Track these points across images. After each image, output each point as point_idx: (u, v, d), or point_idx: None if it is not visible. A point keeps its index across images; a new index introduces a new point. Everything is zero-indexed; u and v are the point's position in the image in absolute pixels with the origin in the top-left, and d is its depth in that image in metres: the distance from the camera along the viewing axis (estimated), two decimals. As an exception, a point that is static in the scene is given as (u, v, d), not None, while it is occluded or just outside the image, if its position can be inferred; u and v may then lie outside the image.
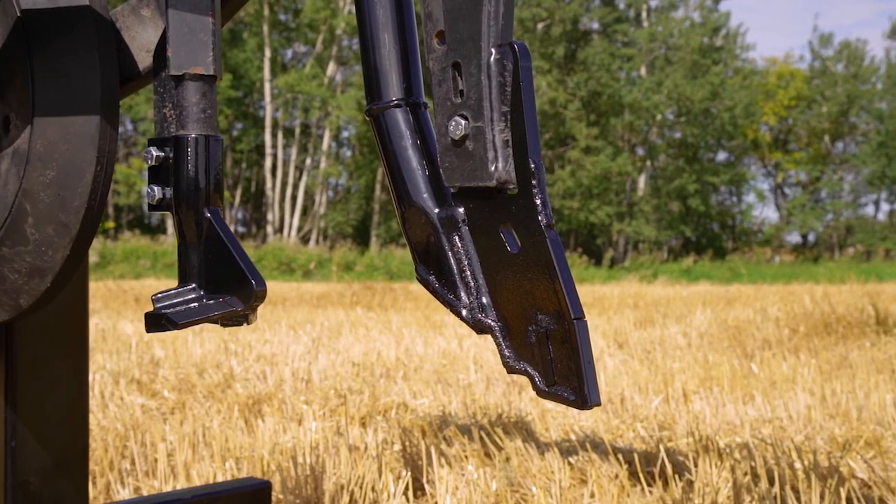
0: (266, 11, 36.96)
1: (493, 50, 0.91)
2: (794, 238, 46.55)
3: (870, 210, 47.51)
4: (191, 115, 1.09)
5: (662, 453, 2.58)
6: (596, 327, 7.51)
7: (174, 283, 1.16)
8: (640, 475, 2.47)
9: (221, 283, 1.06)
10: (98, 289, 12.93)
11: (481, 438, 2.90)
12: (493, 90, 0.92)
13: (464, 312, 0.98)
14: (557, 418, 3.40)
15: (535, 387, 0.93)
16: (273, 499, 2.26)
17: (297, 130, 38.87)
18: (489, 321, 0.97)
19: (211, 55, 1.09)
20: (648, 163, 41.19)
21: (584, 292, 13.40)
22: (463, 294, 0.98)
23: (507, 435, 2.99)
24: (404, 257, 27.31)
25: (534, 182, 0.90)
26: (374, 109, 1.06)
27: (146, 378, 4.36)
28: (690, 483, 2.45)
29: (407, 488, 2.41)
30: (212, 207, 1.09)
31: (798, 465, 2.60)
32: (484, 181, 0.93)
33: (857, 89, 44.49)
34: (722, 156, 43.97)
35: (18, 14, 1.17)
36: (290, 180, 38.18)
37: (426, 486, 2.51)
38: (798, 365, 4.94)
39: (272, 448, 2.88)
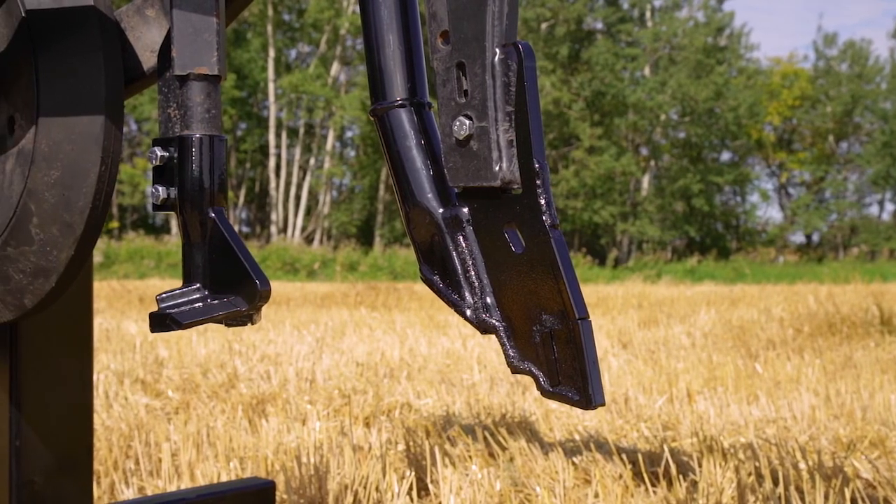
0: (270, 11, 36.97)
1: (497, 50, 0.91)
2: (799, 238, 46.53)
3: (874, 210, 47.41)
4: (195, 116, 1.09)
5: (666, 453, 2.58)
6: (600, 327, 7.51)
7: (178, 283, 1.16)
8: (644, 475, 2.47)
9: (226, 283, 1.06)
10: (102, 289, 12.95)
11: (485, 438, 2.90)
12: (498, 90, 0.91)
13: (468, 312, 0.98)
14: (561, 418, 3.40)
15: (539, 387, 0.93)
16: (277, 498, 2.26)
17: (301, 130, 38.88)
18: (493, 321, 0.96)
19: (215, 55, 1.09)
20: (652, 163, 41.16)
21: (588, 292, 13.40)
22: (467, 294, 0.98)
23: (510, 435, 2.99)
24: (408, 257, 27.31)
25: (538, 182, 0.90)
26: (379, 109, 1.06)
27: (150, 378, 4.36)
28: (694, 483, 2.45)
29: (411, 488, 2.41)
30: (216, 207, 1.09)
31: (802, 465, 2.59)
32: (488, 181, 0.93)
33: (862, 89, 44.42)
34: (726, 156, 43.96)
35: (23, 14, 1.17)
36: (294, 180, 38.20)
37: (430, 486, 2.51)
38: (802, 365, 4.93)
39: (276, 448, 2.88)
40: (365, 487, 2.34)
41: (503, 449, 2.82)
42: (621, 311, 9.67)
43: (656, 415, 3.53)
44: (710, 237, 43.02)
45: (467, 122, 0.93)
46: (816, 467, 2.48)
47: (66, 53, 1.14)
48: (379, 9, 1.07)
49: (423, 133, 1.04)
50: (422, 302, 10.99)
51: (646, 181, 40.75)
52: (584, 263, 30.48)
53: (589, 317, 0.89)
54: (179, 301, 1.07)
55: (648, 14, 42.27)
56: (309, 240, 37.82)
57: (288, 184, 38.35)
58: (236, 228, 1.09)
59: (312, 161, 38.97)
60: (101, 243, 24.05)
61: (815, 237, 46.05)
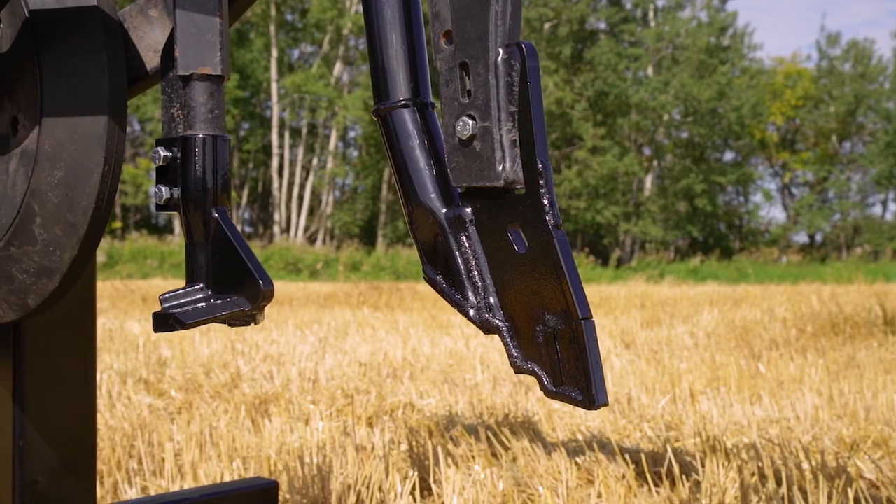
0: (273, 11, 36.99)
1: (500, 50, 0.91)
2: (802, 238, 46.50)
3: (877, 210, 47.35)
4: (198, 116, 1.09)
5: (669, 453, 2.58)
6: (603, 327, 7.51)
7: (181, 282, 1.16)
8: (648, 475, 2.46)
9: (229, 282, 1.06)
10: (105, 289, 12.96)
11: (488, 438, 2.90)
12: (501, 90, 0.91)
13: (471, 312, 0.98)
14: (564, 418, 3.40)
15: (542, 387, 0.93)
16: (280, 498, 2.26)
17: (304, 130, 38.90)
18: (497, 321, 0.96)
19: (218, 55, 1.09)
20: (655, 163, 41.15)
21: (591, 292, 13.39)
22: (470, 294, 0.98)
23: (513, 435, 2.99)
24: (411, 257, 27.32)
25: (541, 182, 0.90)
26: (382, 109, 1.06)
27: (153, 378, 4.36)
28: (698, 483, 2.45)
29: (414, 488, 2.41)
30: (219, 207, 1.09)
31: (805, 465, 2.59)
32: (491, 181, 0.92)
33: (865, 89, 44.39)
34: (729, 156, 43.94)
35: (27, 14, 1.17)
36: (297, 180, 38.22)
37: (433, 486, 2.51)
38: (805, 365, 4.93)
39: (279, 448, 2.88)
40: (368, 487, 2.34)
41: (506, 449, 2.82)
42: (624, 311, 9.66)
43: (659, 415, 3.53)
44: (713, 237, 42.99)
45: (470, 122, 0.93)
46: (820, 467, 2.48)
47: (70, 53, 1.14)
48: (382, 8, 1.07)
49: (427, 133, 1.04)
50: (424, 302, 10.99)
51: (649, 181, 40.74)
52: (586, 263, 30.48)
53: (592, 317, 0.89)
54: (183, 301, 1.07)
55: (651, 14, 42.25)
56: (312, 240, 37.84)
57: (291, 184, 38.37)
58: (239, 228, 1.09)
59: (315, 161, 38.99)
60: (105, 243, 24.08)
61: (819, 237, 46.05)
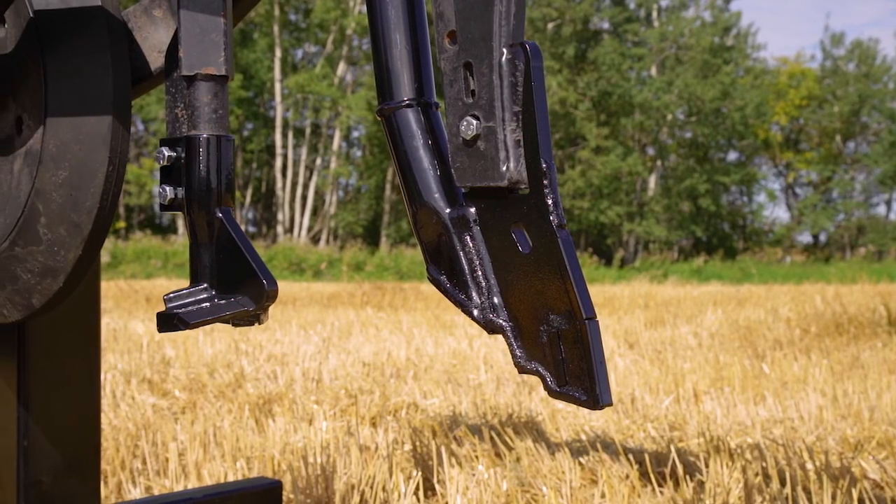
0: (276, 12, 37.01)
1: (504, 50, 0.91)
2: (806, 238, 46.45)
3: (881, 210, 47.33)
4: (202, 116, 1.09)
5: (673, 453, 2.58)
6: (606, 327, 7.50)
7: (185, 282, 1.16)
8: (651, 475, 2.46)
9: (233, 282, 1.07)
10: (109, 288, 12.97)
11: (492, 438, 2.90)
12: (505, 90, 0.91)
13: (475, 312, 0.98)
14: (568, 418, 3.39)
15: (546, 387, 0.93)
16: (284, 498, 2.27)
17: (308, 130, 38.90)
18: (501, 321, 0.96)
19: (223, 55, 1.09)
20: (659, 163, 41.12)
21: (595, 292, 13.38)
22: (474, 294, 0.98)
23: (517, 435, 2.99)
24: (414, 257, 27.32)
25: (545, 182, 0.90)
26: (386, 109, 1.06)
27: (157, 378, 4.37)
28: (701, 483, 2.45)
29: (417, 488, 2.41)
30: (223, 207, 1.09)
31: (809, 465, 2.59)
32: (495, 181, 0.93)
33: (869, 89, 44.32)
34: (733, 155, 43.90)
35: (31, 14, 1.17)
36: (301, 180, 38.24)
37: (437, 486, 2.51)
38: (809, 365, 4.92)
39: (283, 448, 2.88)
40: (371, 487, 2.34)
41: (510, 449, 2.82)
42: (628, 311, 9.66)
43: (663, 415, 3.52)
44: (716, 237, 42.96)
45: (474, 122, 0.93)
46: (824, 468, 2.47)
47: (74, 53, 1.15)
48: (386, 9, 1.07)
49: (431, 133, 1.04)
50: (428, 302, 10.99)
51: (652, 181, 40.71)
52: (590, 263, 30.46)
53: (596, 317, 0.89)
54: (187, 301, 1.07)
55: (655, 14, 42.22)
56: (315, 240, 37.85)
57: (294, 184, 38.38)
58: (243, 228, 1.09)
59: (319, 161, 39.00)
60: (108, 243, 24.10)
61: (823, 237, 45.98)
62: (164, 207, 1.11)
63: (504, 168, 0.92)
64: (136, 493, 2.55)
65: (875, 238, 42.14)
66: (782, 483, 2.40)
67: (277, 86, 37.62)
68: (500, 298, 0.97)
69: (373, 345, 5.92)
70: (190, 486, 2.56)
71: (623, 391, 4.02)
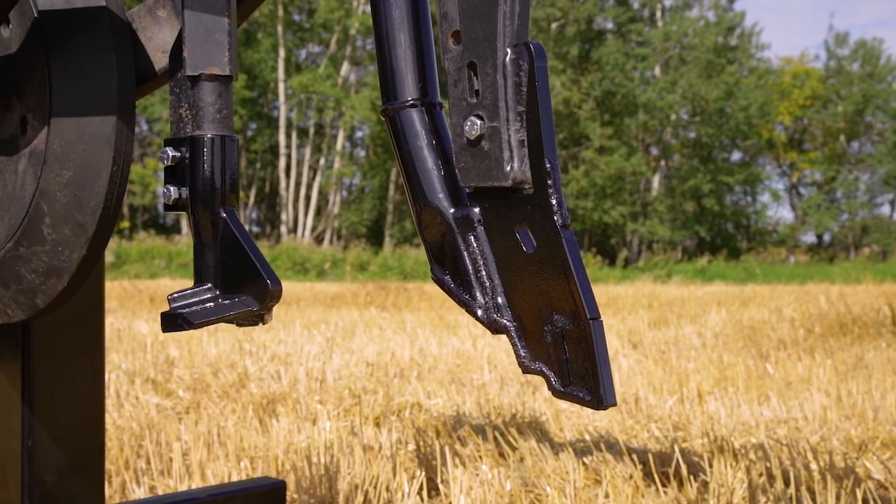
0: (280, 12, 37.02)
1: (508, 50, 0.91)
2: (810, 238, 46.38)
3: (885, 210, 47.23)
4: (207, 116, 1.09)
5: (677, 454, 2.57)
6: (610, 327, 7.50)
7: (189, 282, 1.16)
8: (655, 476, 2.46)
9: (237, 282, 1.07)
10: (113, 289, 12.98)
11: (495, 438, 2.90)
12: (509, 90, 0.91)
13: (479, 312, 0.98)
14: (572, 418, 3.39)
15: (550, 387, 0.93)
16: (287, 498, 2.27)
17: (311, 130, 38.92)
18: (505, 321, 0.96)
19: (227, 56, 1.09)
20: (663, 163, 41.09)
21: (599, 292, 13.38)
22: (478, 294, 0.98)
23: (521, 435, 2.99)
24: (418, 257, 27.32)
25: (549, 182, 0.90)
26: (390, 109, 1.06)
27: (161, 378, 4.37)
28: (705, 484, 2.45)
29: (421, 488, 2.41)
30: (227, 207, 1.09)
31: (814, 465, 2.59)
32: (499, 181, 0.92)
33: (873, 88, 44.26)
34: (737, 155, 43.86)
35: (36, 15, 1.17)
36: (304, 180, 38.25)
37: (440, 486, 2.51)
38: (813, 365, 4.92)
39: (287, 448, 2.88)
40: (375, 487, 2.34)
41: (513, 449, 2.82)
42: (631, 312, 9.65)
43: (667, 415, 3.52)
44: (720, 237, 42.92)
45: (478, 121, 0.93)
46: (828, 468, 2.47)
47: (78, 54, 1.15)
48: (390, 9, 1.07)
49: (435, 133, 1.04)
50: (432, 302, 10.99)
51: (656, 181, 40.68)
52: (594, 263, 30.45)
53: (600, 317, 0.89)
54: (191, 301, 1.07)
55: (659, 14, 42.19)
56: (319, 240, 37.87)
57: (298, 184, 38.40)
58: (246, 228, 1.09)
59: (322, 161, 39.01)
60: (112, 243, 24.12)
61: (827, 237, 45.92)
62: (168, 207, 1.11)
63: (508, 168, 0.92)
64: (140, 493, 2.56)
65: (879, 238, 42.08)
66: (786, 483, 2.40)
67: (281, 86, 37.64)
68: (504, 298, 0.97)
69: (376, 345, 5.92)
70: (194, 486, 2.57)
71: (627, 391, 4.02)
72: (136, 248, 26.14)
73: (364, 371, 4.69)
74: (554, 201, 0.89)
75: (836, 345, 6.11)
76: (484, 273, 0.98)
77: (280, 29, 37.46)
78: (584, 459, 2.67)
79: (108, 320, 7.57)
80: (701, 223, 40.81)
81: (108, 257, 22.40)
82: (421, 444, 2.84)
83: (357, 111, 36.67)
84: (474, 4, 0.93)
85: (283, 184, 38.18)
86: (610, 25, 41.35)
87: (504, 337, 0.97)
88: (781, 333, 6.85)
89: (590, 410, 3.48)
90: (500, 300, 0.97)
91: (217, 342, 5.74)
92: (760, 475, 2.47)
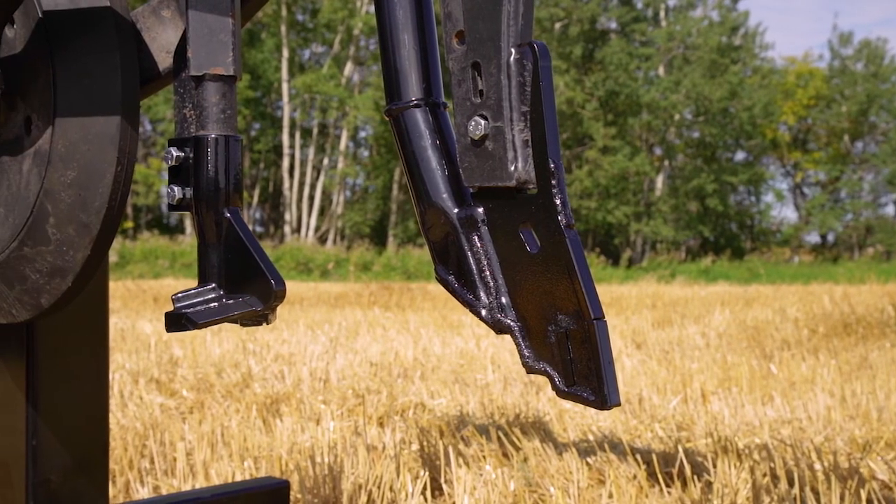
0: (284, 12, 37.04)
1: (512, 50, 0.91)
2: (814, 238, 46.33)
3: (889, 210, 47.23)
4: (211, 116, 1.09)
5: (681, 454, 2.57)
6: (614, 327, 7.49)
7: (192, 282, 1.16)
8: (659, 476, 2.46)
9: (241, 282, 1.07)
10: (117, 289, 13.00)
11: (499, 438, 2.90)
12: (513, 90, 0.91)
13: (483, 312, 0.98)
14: (575, 418, 3.39)
15: (554, 387, 0.93)
16: (291, 498, 2.27)
17: (315, 130, 38.94)
18: (509, 321, 0.96)
19: (231, 56, 1.09)
20: (666, 162, 41.06)
21: (602, 292, 13.37)
22: (482, 294, 0.98)
23: (524, 435, 2.99)
24: (422, 257, 27.33)
25: (553, 182, 0.90)
26: (394, 110, 1.06)
27: (165, 377, 4.37)
28: (709, 484, 2.45)
29: (425, 488, 2.41)
30: (231, 207, 1.09)
31: (818, 466, 2.58)
32: (503, 181, 0.92)
33: (877, 88, 44.19)
34: (740, 155, 43.81)
35: (40, 15, 1.17)
36: (308, 180, 38.26)
37: (444, 486, 2.51)
38: (817, 366, 4.91)
39: (290, 447, 2.88)
40: (379, 487, 2.34)
41: (517, 449, 2.82)
42: (635, 312, 9.65)
43: (670, 415, 3.52)
44: (724, 237, 42.88)
45: (483, 121, 0.93)
46: (832, 468, 2.47)
47: (83, 54, 1.15)
48: (394, 9, 1.07)
49: (439, 133, 1.04)
50: (435, 302, 10.99)
51: (660, 181, 40.66)
52: (597, 263, 30.44)
53: (604, 317, 0.89)
54: (195, 301, 1.07)
55: (662, 13, 42.17)
56: (322, 240, 37.88)
57: (301, 184, 38.42)
58: (250, 228, 1.09)
59: (326, 161, 39.03)
60: (116, 243, 24.14)
61: (831, 237, 45.87)
62: (172, 207, 1.11)
63: (512, 168, 0.92)
64: (144, 493, 2.56)
65: (883, 238, 42.02)
66: (790, 483, 2.39)
67: (285, 86, 37.66)
68: (508, 298, 0.97)
69: (380, 345, 5.92)
70: (198, 486, 2.57)
71: (631, 391, 4.02)
72: (140, 248, 26.16)
73: (367, 371, 4.69)
74: (558, 201, 0.89)
75: (840, 345, 6.10)
76: (488, 273, 0.98)
77: (283, 29, 37.47)
78: (588, 459, 2.67)
79: (112, 320, 7.58)
80: (705, 223, 40.77)
81: (112, 257, 22.42)
82: (424, 444, 2.84)
83: (360, 111, 36.69)
84: (478, 4, 0.93)
85: (286, 184, 38.20)
86: (613, 25, 41.33)
87: (508, 337, 0.97)
88: (785, 333, 6.84)
89: (593, 410, 3.48)
90: (503, 300, 0.97)
91: (221, 342, 5.74)
92: (764, 475, 2.47)
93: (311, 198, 38.35)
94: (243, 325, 1.08)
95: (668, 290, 16.07)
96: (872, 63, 45.23)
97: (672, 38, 40.41)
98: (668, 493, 2.43)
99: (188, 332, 5.75)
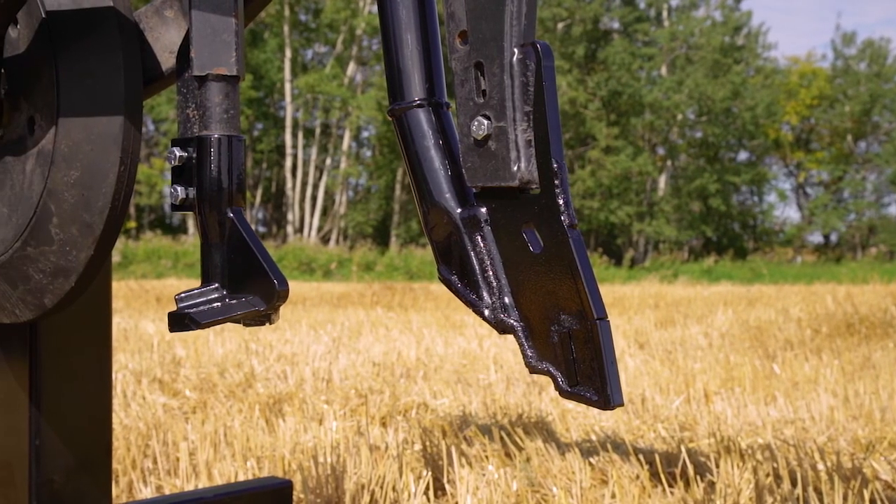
0: (286, 12, 37.05)
1: (515, 50, 0.91)
2: (817, 238, 46.30)
3: (893, 210, 47.19)
4: (214, 116, 1.09)
5: (684, 454, 2.57)
6: (616, 327, 7.49)
7: (195, 282, 1.16)
8: (662, 476, 2.46)
9: (244, 282, 1.07)
10: (120, 288, 13.00)
11: (502, 438, 2.90)
12: (516, 90, 0.91)
13: (486, 312, 0.98)
14: (578, 418, 3.39)
15: (557, 387, 0.93)
16: (294, 498, 2.27)
17: (318, 131, 38.96)
18: (512, 321, 0.96)
19: (234, 56, 1.09)
20: (669, 162, 41.04)
21: (605, 292, 13.36)
22: (485, 294, 0.98)
23: (527, 435, 2.99)
24: (424, 257, 27.33)
25: (556, 182, 0.90)
26: (397, 110, 1.06)
27: (168, 377, 4.38)
28: (712, 484, 2.44)
29: (427, 488, 2.41)
30: (234, 207, 1.09)
31: (821, 466, 2.58)
32: (506, 181, 0.92)
33: (881, 88, 44.14)
34: (743, 155, 43.79)
35: (43, 15, 1.18)
36: (311, 180, 38.28)
37: (447, 486, 2.51)
38: (820, 366, 4.91)
39: (293, 447, 2.88)
40: (382, 487, 2.34)
41: (520, 449, 2.82)
42: (638, 311, 9.64)
43: (673, 415, 3.52)
44: (727, 237, 42.86)
45: (485, 121, 0.93)
46: (835, 468, 2.47)
47: (86, 54, 1.15)
48: (397, 9, 1.07)
49: (442, 133, 1.04)
50: (438, 302, 10.99)
51: (662, 181, 40.63)
52: (600, 263, 30.43)
53: (607, 317, 0.89)
54: (198, 301, 1.07)
55: (665, 13, 42.15)
56: (325, 240, 37.89)
57: (304, 184, 38.43)
58: (253, 228, 1.09)
59: (329, 161, 39.04)
60: (119, 243, 24.14)
61: (833, 237, 45.83)
62: (175, 207, 1.11)
63: (515, 168, 0.92)
64: (147, 493, 2.56)
65: (886, 238, 41.97)
66: (793, 484, 2.39)
67: (287, 86, 37.67)
68: (511, 298, 0.97)
69: (383, 345, 5.92)
70: (200, 486, 2.57)
71: (633, 391, 4.02)
72: (143, 248, 26.18)
73: (370, 371, 4.69)
74: (561, 201, 0.89)
75: (844, 345, 6.09)
76: (491, 273, 0.98)
77: (286, 29, 37.49)
78: (591, 459, 2.67)
79: (115, 320, 7.58)
80: (707, 223, 40.76)
81: (115, 257, 22.43)
82: (427, 444, 2.84)
83: (363, 111, 36.71)
84: (481, 5, 0.93)
85: (289, 184, 38.22)
86: (616, 25, 41.32)
87: (510, 337, 0.97)
88: (788, 333, 6.84)
89: (596, 410, 3.47)
90: (507, 300, 0.97)
91: (223, 342, 5.75)
92: (767, 475, 2.46)
93: (314, 198, 38.37)
94: (246, 325, 1.08)
95: (670, 290, 16.06)
96: (875, 63, 45.18)
97: (675, 37, 40.39)
98: (671, 493, 2.42)
99: (191, 332, 5.75)
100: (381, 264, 27.11)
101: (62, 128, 1.16)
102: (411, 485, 2.38)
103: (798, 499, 2.25)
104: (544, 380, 4.12)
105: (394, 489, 2.36)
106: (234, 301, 1.07)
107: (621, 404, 0.89)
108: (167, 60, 1.24)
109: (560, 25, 38.87)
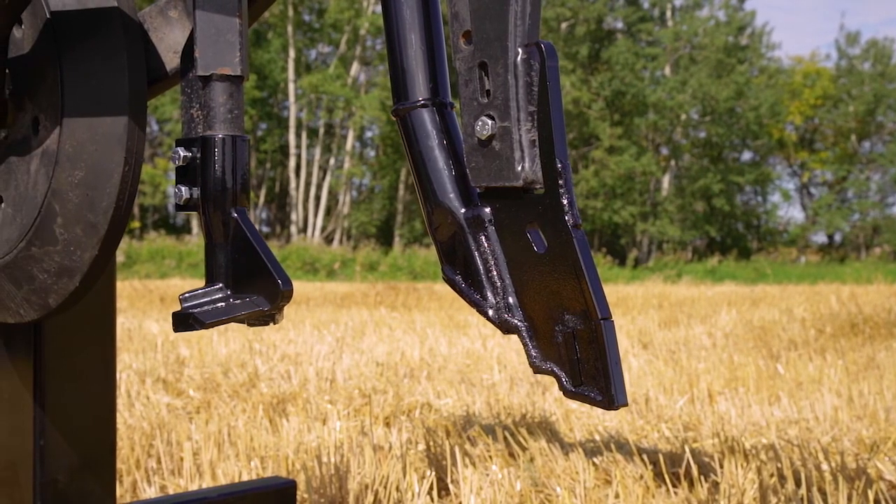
0: (290, 12, 37.06)
1: (519, 50, 0.91)
2: (821, 238, 46.24)
3: (897, 210, 47.02)
4: (218, 116, 1.09)
5: (688, 454, 2.57)
6: (620, 327, 7.49)
7: (199, 282, 1.16)
8: (665, 476, 2.46)
9: (248, 282, 1.07)
10: (124, 288, 13.02)
11: (505, 438, 2.90)
12: (520, 90, 0.91)
13: (490, 312, 0.98)
14: (582, 418, 3.39)
15: (561, 387, 0.93)
16: (298, 498, 2.27)
17: (321, 131, 38.96)
18: (516, 321, 0.96)
19: (238, 56, 1.09)
20: (673, 162, 41.01)
21: (608, 292, 13.33)
22: (489, 294, 0.98)
23: (531, 435, 2.99)
24: (428, 257, 27.34)
25: (560, 182, 0.90)
26: (401, 110, 1.06)
27: (172, 377, 4.38)
28: (716, 484, 2.44)
29: (431, 488, 2.41)
30: (238, 207, 1.09)
31: (825, 466, 2.58)
32: (510, 181, 0.92)
33: (885, 88, 44.07)
34: (747, 155, 43.75)
35: (48, 15, 1.18)
36: (314, 180, 38.29)
37: (450, 486, 2.51)
38: (824, 366, 4.90)
39: (297, 447, 2.89)
40: (385, 487, 2.34)
41: (523, 449, 2.82)
42: (641, 312, 9.64)
43: (677, 415, 3.52)
44: (730, 237, 42.82)
45: (490, 121, 0.93)
46: (839, 469, 2.46)
47: (90, 54, 1.15)
48: (401, 9, 1.07)
49: (446, 133, 1.04)
50: (441, 302, 10.99)
51: (666, 181, 40.61)
52: (604, 263, 30.42)
53: (611, 317, 0.89)
54: (202, 301, 1.07)
55: (669, 13, 42.12)
56: (329, 240, 37.91)
57: (308, 184, 38.44)
58: (257, 228, 1.09)
59: (332, 161, 39.05)
60: (123, 243, 24.13)
61: (838, 237, 45.77)
62: (179, 207, 1.12)
63: (519, 168, 0.92)
64: (151, 493, 2.56)
65: (890, 238, 41.91)
66: (797, 484, 2.39)
67: (291, 86, 37.69)
68: (515, 298, 0.97)
69: (386, 345, 5.92)
70: (204, 486, 2.57)
71: (637, 391, 4.02)
72: (147, 248, 26.21)
73: (374, 371, 4.69)
74: (565, 201, 0.89)
75: (848, 345, 6.09)
76: (495, 273, 0.98)
77: (290, 29, 37.50)
78: (595, 460, 2.66)
79: (119, 320, 7.59)
80: (711, 223, 40.73)
81: (119, 257, 22.42)
82: (431, 444, 2.84)
83: (367, 111, 36.71)
84: (485, 4, 0.93)
85: (293, 184, 38.23)
86: (620, 25, 41.30)
87: (514, 337, 0.97)
88: (792, 334, 6.83)
89: (600, 410, 3.47)
90: (511, 300, 0.97)
91: (227, 342, 5.75)
92: (771, 476, 2.46)
93: (318, 198, 38.38)
94: (250, 324, 1.08)
95: (674, 290, 16.05)
96: (879, 63, 45.12)
97: (678, 37, 40.36)
98: (675, 493, 2.42)
99: (195, 332, 5.75)
100: (384, 264, 27.12)
101: (66, 128, 1.16)
102: (415, 485, 2.38)
103: (802, 499, 2.24)
104: (548, 380, 4.12)
105: (397, 489, 2.36)
106: (238, 301, 1.07)
107: (625, 404, 0.89)
108: (171, 60, 1.24)
109: (564, 25, 38.85)
